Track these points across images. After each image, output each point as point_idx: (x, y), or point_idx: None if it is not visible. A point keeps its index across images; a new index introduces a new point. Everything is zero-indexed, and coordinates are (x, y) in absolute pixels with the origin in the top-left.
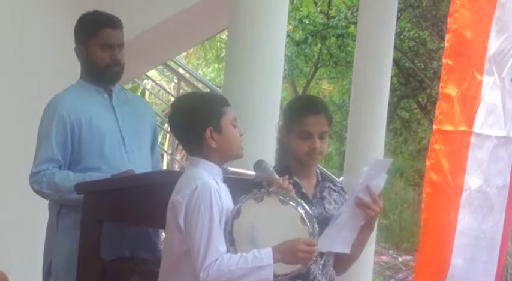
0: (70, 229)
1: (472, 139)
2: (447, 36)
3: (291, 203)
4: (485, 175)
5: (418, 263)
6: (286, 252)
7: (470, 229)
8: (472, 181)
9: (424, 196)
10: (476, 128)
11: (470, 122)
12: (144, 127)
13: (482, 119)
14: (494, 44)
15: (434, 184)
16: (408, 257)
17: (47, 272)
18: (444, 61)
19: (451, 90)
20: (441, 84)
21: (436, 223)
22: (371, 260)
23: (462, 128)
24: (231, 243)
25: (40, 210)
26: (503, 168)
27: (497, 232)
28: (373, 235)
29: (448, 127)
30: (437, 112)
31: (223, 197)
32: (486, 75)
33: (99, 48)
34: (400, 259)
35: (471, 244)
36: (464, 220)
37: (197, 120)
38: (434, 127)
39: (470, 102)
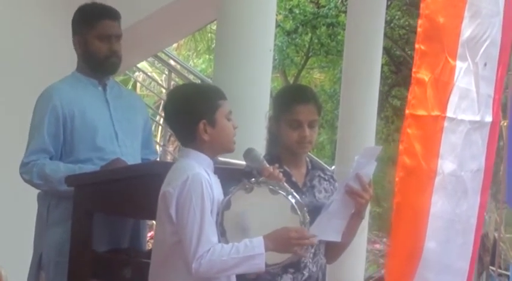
0: (60, 221)
1: (446, 123)
2: (419, 21)
3: (281, 192)
4: (459, 159)
5: (391, 247)
6: (277, 241)
7: (444, 212)
8: (446, 165)
9: (396, 179)
10: (449, 113)
11: (443, 106)
12: (137, 121)
13: (456, 104)
14: (467, 29)
15: (407, 168)
16: None
17: (37, 265)
18: (417, 46)
19: (424, 75)
20: (414, 69)
21: (409, 206)
22: (363, 249)
23: (435, 112)
24: (223, 234)
25: (30, 202)
26: (477, 152)
27: (471, 215)
28: (365, 223)
29: (420, 112)
30: (409, 97)
31: (214, 188)
32: (459, 60)
33: (97, 39)
34: None
35: (445, 227)
36: (438, 204)
37: (191, 112)
38: (407, 111)
39: (443, 87)
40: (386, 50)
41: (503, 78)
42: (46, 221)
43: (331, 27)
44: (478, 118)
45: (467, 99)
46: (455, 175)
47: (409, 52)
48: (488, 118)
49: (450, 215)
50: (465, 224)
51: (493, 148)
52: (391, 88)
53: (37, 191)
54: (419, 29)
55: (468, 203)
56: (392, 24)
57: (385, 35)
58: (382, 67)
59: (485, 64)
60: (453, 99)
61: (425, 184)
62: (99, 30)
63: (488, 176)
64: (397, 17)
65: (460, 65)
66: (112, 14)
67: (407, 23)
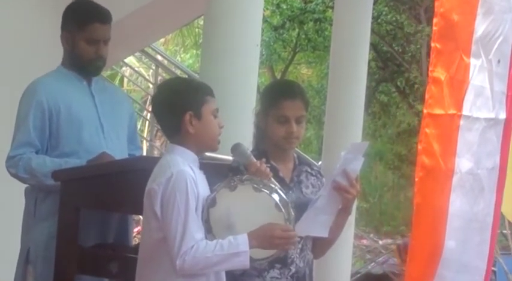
0: (48, 215)
1: (462, 122)
2: (435, 20)
3: (264, 190)
4: (475, 157)
5: (412, 248)
6: (262, 238)
7: (462, 212)
8: (463, 163)
9: (416, 180)
10: (465, 111)
11: (459, 105)
12: (122, 115)
13: (471, 102)
14: (480, 26)
15: (426, 168)
16: (389, 241)
17: (25, 260)
18: (432, 45)
19: (440, 73)
20: (430, 68)
21: (429, 207)
22: (350, 244)
23: (452, 111)
24: (209, 231)
25: (17, 197)
26: (492, 150)
27: (488, 213)
28: (352, 218)
29: (438, 111)
30: (427, 96)
31: (199, 184)
32: (473, 57)
33: (85, 41)
34: (380, 242)
35: (464, 227)
36: (456, 203)
37: (178, 103)
38: (425, 111)
39: (458, 85)
40: (374, 46)
41: None
42: (33, 215)
43: (318, 22)
44: (492, 115)
45: (482, 97)
46: (472, 173)
47: (396, 48)
48: (502, 115)
49: (468, 214)
50: (482, 222)
51: (507, 145)
52: (378, 84)
53: (24, 185)
54: (434, 28)
55: (485, 202)
56: (379, 20)
57: (372, 30)
58: (369, 63)
59: (498, 61)
60: (468, 97)
61: (444, 183)
62: (88, 34)
63: (503, 174)
64: (384, 12)
65: (474, 63)
66: (103, 17)
67: (394, 18)
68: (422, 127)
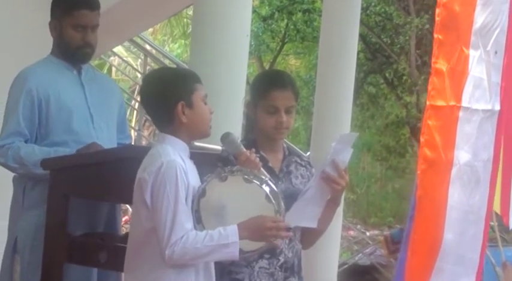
0: (36, 204)
1: (461, 113)
2: (437, 11)
3: (255, 181)
4: (473, 149)
5: (413, 241)
6: (252, 229)
7: (459, 204)
8: (461, 155)
9: (418, 172)
10: (464, 103)
11: (458, 96)
12: (112, 105)
13: (470, 93)
14: (480, 17)
15: (428, 160)
16: (376, 232)
17: (12, 249)
18: (435, 36)
19: (442, 65)
20: (433, 60)
21: (430, 199)
22: (338, 235)
23: (452, 102)
24: (198, 221)
25: (4, 185)
26: (488, 142)
27: (482, 205)
28: (340, 210)
29: (440, 102)
30: (429, 87)
31: (189, 174)
32: (472, 49)
33: (72, 28)
34: (367, 233)
35: (461, 219)
36: (455, 195)
37: (169, 94)
38: (427, 103)
39: (458, 76)
40: (362, 37)
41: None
42: (22, 204)
43: (307, 13)
44: (489, 107)
45: (480, 88)
46: (470, 165)
47: (384, 39)
48: (497, 106)
49: (465, 206)
50: (476, 214)
51: (500, 137)
52: (366, 75)
53: (13, 174)
54: (437, 19)
55: (480, 193)
56: (368, 11)
57: (361, 21)
58: (357, 54)
59: (495, 52)
60: (467, 88)
61: (443, 176)
62: (75, 20)
63: (496, 166)
64: (373, 3)
65: (473, 54)
66: (91, 4)
67: (383, 10)
68: (425, 119)
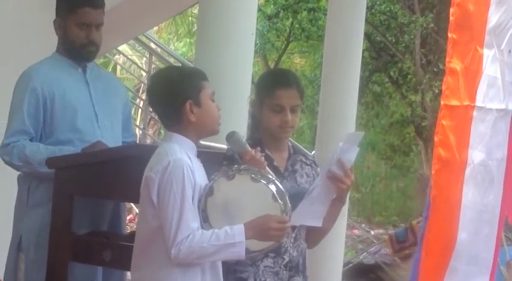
0: (41, 203)
1: (475, 113)
2: (452, 10)
3: (262, 181)
4: (487, 148)
5: (428, 241)
6: (258, 229)
7: (474, 203)
8: (475, 154)
9: (432, 172)
10: (478, 102)
11: (473, 96)
12: (116, 104)
13: (484, 93)
14: (494, 16)
15: (442, 160)
16: (380, 231)
17: (17, 247)
18: (449, 35)
19: (456, 64)
20: (447, 59)
21: (444, 199)
22: (343, 234)
23: (466, 102)
24: (205, 220)
25: (9, 184)
26: (502, 141)
27: (496, 205)
28: (345, 209)
29: (454, 102)
30: (443, 87)
31: (196, 173)
32: (486, 48)
33: (76, 26)
34: (372, 232)
35: (475, 218)
36: (469, 195)
37: (176, 93)
38: (442, 103)
39: (472, 76)
40: (367, 36)
41: None
42: (26, 203)
43: (312, 12)
44: (503, 106)
45: (494, 87)
46: (484, 165)
47: (389, 38)
48: (511, 106)
49: (479, 205)
50: (491, 214)
51: None
52: (371, 74)
53: (17, 172)
54: (451, 18)
55: (494, 193)
56: (373, 10)
57: (366, 20)
58: (362, 53)
59: (509, 51)
60: (481, 88)
61: (458, 175)
62: (79, 18)
63: (510, 165)
64: (378, 2)
65: (487, 53)
66: (94, 2)
67: (388, 8)
68: (439, 119)
